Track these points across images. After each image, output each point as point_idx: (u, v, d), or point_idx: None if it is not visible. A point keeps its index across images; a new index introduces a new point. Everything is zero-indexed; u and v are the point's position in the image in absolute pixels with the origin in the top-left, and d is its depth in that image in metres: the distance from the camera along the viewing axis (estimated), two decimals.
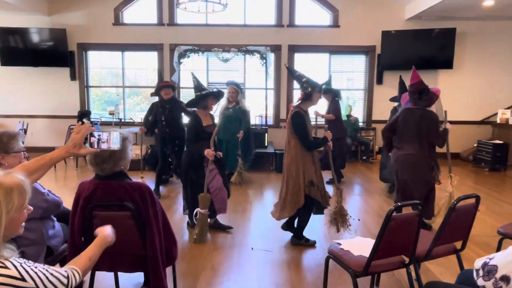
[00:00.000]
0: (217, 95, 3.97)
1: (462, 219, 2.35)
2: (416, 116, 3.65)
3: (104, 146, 1.67)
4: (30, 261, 1.20)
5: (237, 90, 5.68)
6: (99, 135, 1.65)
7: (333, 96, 5.88)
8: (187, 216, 4.09)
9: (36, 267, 1.20)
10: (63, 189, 5.54)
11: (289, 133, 3.40)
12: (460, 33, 7.80)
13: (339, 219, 3.52)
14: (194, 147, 3.75)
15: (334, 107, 5.84)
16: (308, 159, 3.38)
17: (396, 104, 5.33)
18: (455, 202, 2.24)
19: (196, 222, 3.66)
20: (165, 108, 5.03)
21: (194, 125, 3.76)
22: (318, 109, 5.57)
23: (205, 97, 3.79)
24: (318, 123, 5.14)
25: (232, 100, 5.65)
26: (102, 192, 2.03)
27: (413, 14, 7.67)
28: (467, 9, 7.09)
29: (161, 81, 5.53)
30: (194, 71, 8.30)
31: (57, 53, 8.10)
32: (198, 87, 3.88)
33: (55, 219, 2.40)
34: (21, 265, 1.15)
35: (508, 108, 7.91)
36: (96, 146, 1.66)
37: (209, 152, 3.58)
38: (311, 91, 3.38)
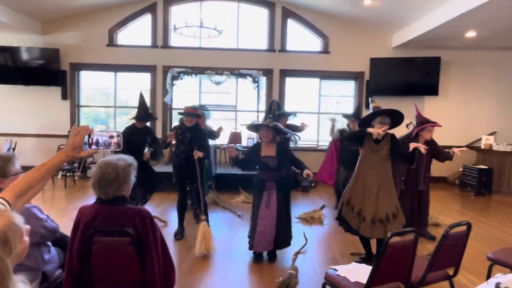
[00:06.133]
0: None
1: (455, 246, 2.42)
2: None
3: (104, 147, 1.58)
4: None
5: None
6: (97, 137, 1.58)
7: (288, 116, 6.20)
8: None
9: None
10: (50, 210, 5.41)
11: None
12: (445, 62, 8.12)
13: None
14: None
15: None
16: None
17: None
18: (448, 229, 2.31)
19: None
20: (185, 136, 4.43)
21: (250, 151, 3.92)
22: None
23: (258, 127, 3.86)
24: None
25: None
26: (103, 217, 2.03)
27: (400, 42, 7.98)
28: (451, 39, 7.42)
29: (143, 104, 4.95)
30: (186, 93, 8.52)
31: (49, 73, 8.09)
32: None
33: (50, 244, 2.37)
34: None
35: (491, 134, 8.18)
36: (96, 147, 1.58)
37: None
38: None
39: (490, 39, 7.32)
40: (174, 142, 4.59)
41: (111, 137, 1.59)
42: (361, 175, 3.51)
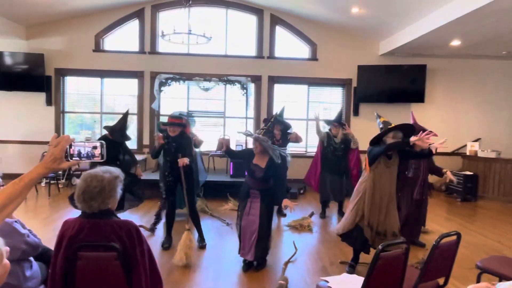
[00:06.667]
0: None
1: (445, 256, 2.42)
2: None
3: (86, 158, 1.50)
4: None
5: None
6: (79, 147, 1.51)
7: (283, 128, 5.91)
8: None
9: None
10: (34, 220, 5.27)
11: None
12: (430, 70, 8.25)
13: None
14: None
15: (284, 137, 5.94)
16: None
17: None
18: (438, 239, 2.31)
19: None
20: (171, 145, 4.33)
21: (245, 151, 4.07)
22: None
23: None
24: None
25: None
26: (88, 231, 1.96)
27: (386, 50, 8.08)
28: (437, 47, 7.55)
29: (124, 123, 4.83)
30: (174, 99, 8.44)
31: (33, 78, 7.92)
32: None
33: (32, 259, 2.28)
34: None
35: (476, 140, 8.32)
36: (77, 158, 1.48)
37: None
38: None
39: (474, 47, 7.47)
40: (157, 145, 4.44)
41: (95, 147, 1.52)
42: (375, 193, 3.44)
